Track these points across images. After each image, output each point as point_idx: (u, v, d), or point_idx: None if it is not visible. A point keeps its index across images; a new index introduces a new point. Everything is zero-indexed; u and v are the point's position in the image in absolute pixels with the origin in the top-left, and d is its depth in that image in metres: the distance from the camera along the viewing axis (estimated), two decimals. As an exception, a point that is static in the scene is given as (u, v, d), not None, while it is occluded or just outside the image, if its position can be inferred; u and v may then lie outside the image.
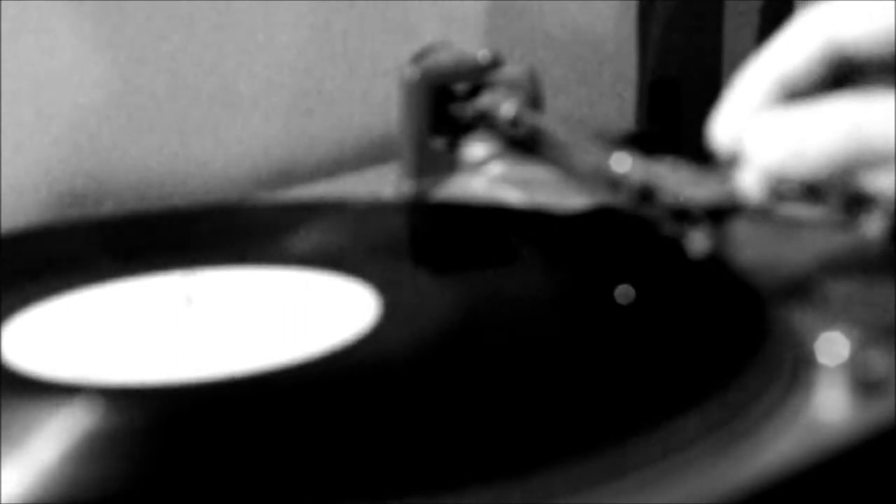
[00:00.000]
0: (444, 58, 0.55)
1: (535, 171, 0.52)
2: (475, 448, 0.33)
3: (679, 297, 0.41)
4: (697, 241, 0.42)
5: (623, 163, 0.45)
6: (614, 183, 0.45)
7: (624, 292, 0.40)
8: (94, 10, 0.62)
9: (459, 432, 0.34)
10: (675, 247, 0.42)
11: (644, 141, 0.74)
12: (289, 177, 0.66)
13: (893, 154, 0.37)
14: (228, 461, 0.33)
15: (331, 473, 0.32)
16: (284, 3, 0.67)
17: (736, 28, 0.83)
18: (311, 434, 0.34)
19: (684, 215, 0.42)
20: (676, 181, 0.43)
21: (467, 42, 0.62)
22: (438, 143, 0.54)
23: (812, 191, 0.42)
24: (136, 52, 0.63)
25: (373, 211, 0.51)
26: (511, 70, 0.54)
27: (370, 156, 0.68)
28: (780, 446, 0.33)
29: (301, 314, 0.42)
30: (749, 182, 0.40)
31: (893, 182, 0.38)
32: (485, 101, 0.53)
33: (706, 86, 0.83)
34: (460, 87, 0.54)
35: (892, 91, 0.38)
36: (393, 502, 0.31)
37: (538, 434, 0.33)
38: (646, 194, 0.44)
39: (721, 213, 0.42)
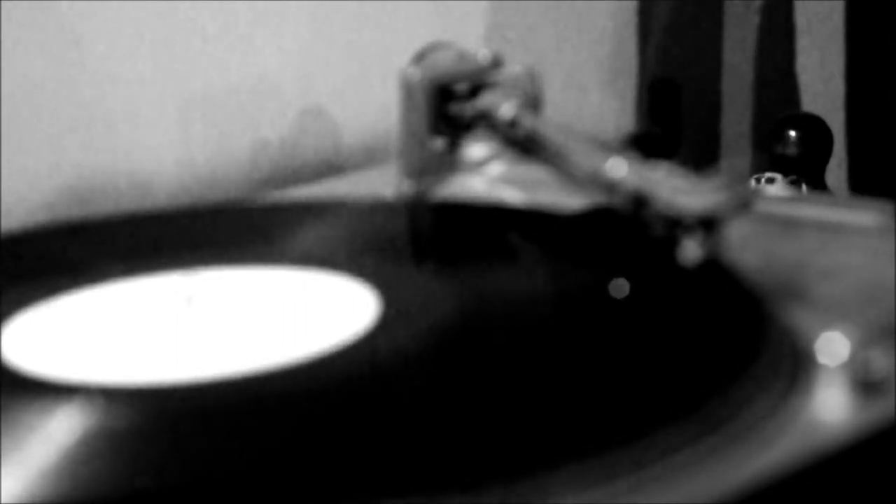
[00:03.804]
0: (444, 58, 0.55)
1: (534, 172, 0.52)
2: (473, 448, 0.33)
3: (679, 297, 0.41)
4: (690, 250, 0.42)
5: (618, 168, 0.45)
6: (609, 188, 0.45)
7: (618, 286, 0.40)
8: (97, 6, 0.62)
9: (458, 433, 0.34)
10: (674, 247, 0.42)
11: (644, 141, 0.74)
12: (288, 177, 0.66)
13: None
14: (229, 461, 0.33)
15: (331, 473, 0.32)
16: (285, 3, 0.67)
17: (736, 28, 0.83)
18: (312, 434, 0.34)
19: (677, 223, 0.42)
20: (670, 189, 0.43)
21: (467, 42, 0.62)
22: (438, 143, 0.54)
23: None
24: (138, 52, 0.63)
25: (372, 211, 0.51)
26: (511, 70, 0.54)
27: (370, 156, 0.68)
28: (779, 447, 0.33)
29: (301, 314, 0.42)
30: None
31: None
32: (484, 101, 0.53)
33: (706, 86, 0.83)
34: (460, 87, 0.54)
35: None
36: (393, 502, 0.31)
37: (536, 435, 0.33)
38: (640, 201, 0.44)
39: (714, 222, 0.42)
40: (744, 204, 0.43)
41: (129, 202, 0.62)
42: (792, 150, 0.65)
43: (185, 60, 0.64)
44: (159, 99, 0.64)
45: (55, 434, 0.34)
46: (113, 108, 0.62)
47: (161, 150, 0.64)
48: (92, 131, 0.62)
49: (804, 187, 0.63)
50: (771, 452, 0.33)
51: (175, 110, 0.64)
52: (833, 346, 0.36)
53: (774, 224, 0.48)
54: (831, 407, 0.35)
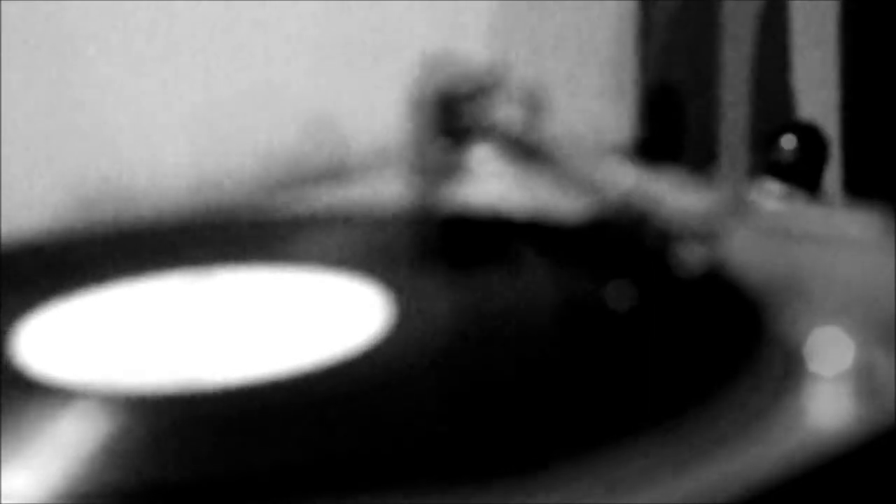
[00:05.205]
0: (449, 66, 0.55)
1: (539, 179, 0.52)
2: (480, 448, 0.33)
3: (677, 304, 0.41)
4: (688, 257, 0.42)
5: (619, 176, 0.45)
6: (610, 195, 0.45)
7: (619, 298, 0.40)
8: (102, 13, 0.62)
9: (465, 431, 0.34)
10: (673, 255, 0.42)
11: (644, 147, 0.74)
12: (296, 183, 0.66)
13: None
14: (238, 466, 0.33)
15: (340, 477, 0.32)
16: (292, 6, 0.67)
17: (734, 34, 0.83)
18: (323, 438, 0.34)
19: (676, 231, 0.42)
20: (669, 196, 0.43)
21: (472, 50, 0.62)
22: (444, 151, 0.54)
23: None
24: (143, 58, 0.63)
25: (380, 217, 0.51)
26: (515, 79, 0.54)
27: (377, 162, 0.68)
28: (777, 452, 0.33)
29: (310, 319, 0.42)
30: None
31: None
32: (489, 109, 0.53)
33: (704, 93, 0.83)
34: (465, 95, 0.54)
35: None
36: (399, 501, 0.31)
37: (537, 435, 0.33)
38: (640, 208, 0.44)
39: (712, 229, 0.42)
40: (741, 211, 0.43)
41: (136, 209, 0.62)
42: (789, 158, 0.65)
43: (191, 67, 0.64)
44: (166, 105, 0.64)
45: (63, 436, 0.34)
46: (119, 115, 0.62)
47: (168, 157, 0.63)
48: (98, 138, 0.62)
49: (801, 195, 0.63)
50: (768, 458, 0.33)
51: (182, 117, 0.64)
52: (832, 352, 0.37)
53: (772, 231, 0.48)
54: (830, 413, 0.35)
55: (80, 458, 0.33)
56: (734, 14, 0.83)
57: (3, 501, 0.31)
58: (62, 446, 0.34)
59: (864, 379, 0.36)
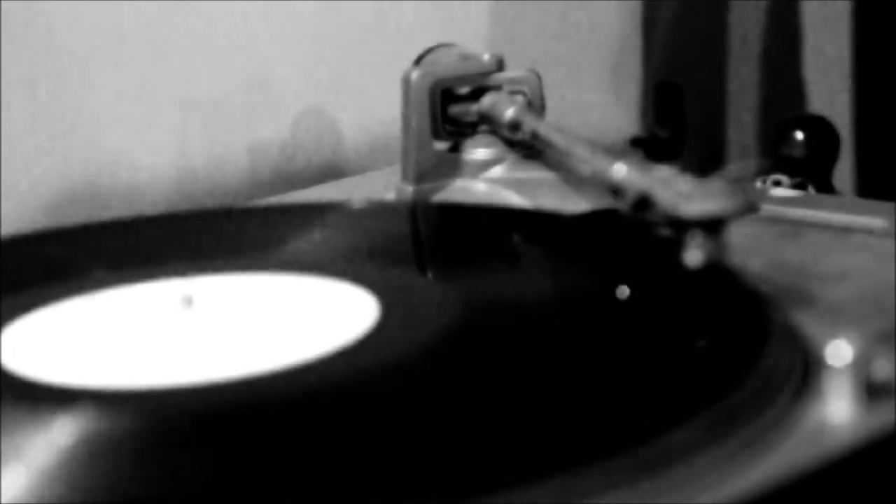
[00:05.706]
0: (447, 60, 0.55)
1: (536, 174, 0.52)
2: (476, 454, 0.33)
3: (683, 300, 0.41)
4: (694, 252, 0.41)
5: (621, 171, 0.45)
6: (612, 190, 0.45)
7: (619, 288, 0.40)
8: (95, 11, 0.62)
9: (462, 437, 0.33)
10: (677, 250, 0.42)
11: (648, 144, 0.74)
12: (289, 180, 0.66)
13: None
14: (227, 466, 0.33)
15: (331, 478, 0.32)
16: (287, 5, 0.67)
17: (741, 31, 0.83)
18: (311, 439, 0.34)
19: (681, 226, 0.42)
20: (674, 191, 0.43)
21: (470, 44, 0.62)
22: (440, 145, 0.54)
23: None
24: (137, 55, 0.63)
25: (374, 214, 0.51)
26: (513, 73, 0.54)
27: (371, 158, 0.68)
28: (785, 451, 0.33)
29: (301, 318, 0.42)
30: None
31: None
32: (487, 103, 0.53)
33: (711, 87, 0.83)
34: (463, 89, 0.54)
35: None
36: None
37: (538, 441, 0.33)
38: (643, 203, 0.43)
39: (719, 224, 0.42)
40: (749, 206, 0.43)
41: (128, 207, 0.62)
42: (798, 152, 0.65)
43: (183, 64, 0.64)
44: (158, 103, 0.64)
45: (54, 439, 0.34)
46: (112, 113, 0.63)
47: (160, 155, 0.64)
48: (90, 136, 0.62)
49: (811, 189, 0.63)
50: (776, 457, 0.33)
51: (174, 114, 0.64)
52: (838, 350, 0.36)
53: (780, 226, 0.48)
54: (837, 410, 0.35)
55: (68, 460, 0.33)
56: (742, 9, 0.83)
57: (3, 501, 0.31)
58: (50, 449, 0.34)
59: (870, 375, 0.35)
